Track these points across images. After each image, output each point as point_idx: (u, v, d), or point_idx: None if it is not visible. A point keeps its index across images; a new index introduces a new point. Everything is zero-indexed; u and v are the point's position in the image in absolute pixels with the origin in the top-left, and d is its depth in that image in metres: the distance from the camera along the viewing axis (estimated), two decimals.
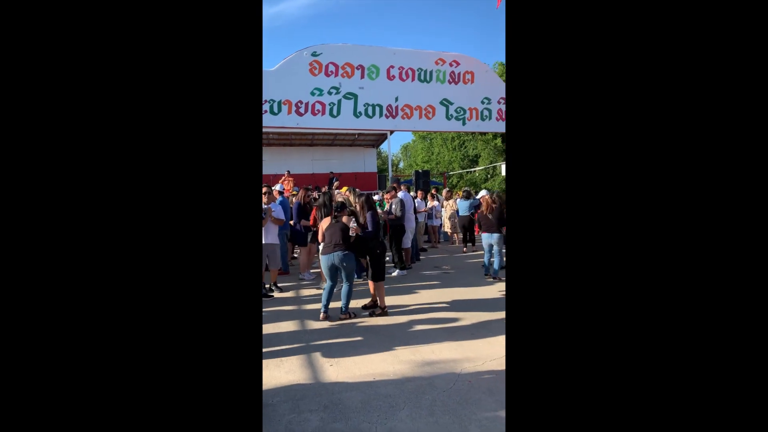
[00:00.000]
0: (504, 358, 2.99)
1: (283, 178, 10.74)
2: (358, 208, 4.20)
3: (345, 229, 3.87)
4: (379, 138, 15.28)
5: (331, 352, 3.16)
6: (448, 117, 2.63)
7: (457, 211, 9.05)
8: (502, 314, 4.01)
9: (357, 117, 2.38)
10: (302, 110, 4.31)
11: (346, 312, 3.92)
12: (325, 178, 11.68)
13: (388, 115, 2.49)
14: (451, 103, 2.64)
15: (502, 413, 2.24)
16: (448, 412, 2.28)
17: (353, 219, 3.95)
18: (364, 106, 2.39)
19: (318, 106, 3.39)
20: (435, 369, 2.84)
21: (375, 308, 4.11)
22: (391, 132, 13.63)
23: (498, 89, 2.71)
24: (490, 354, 3.07)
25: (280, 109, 4.70)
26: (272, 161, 13.98)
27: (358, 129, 2.86)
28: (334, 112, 2.31)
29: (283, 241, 5.44)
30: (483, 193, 6.76)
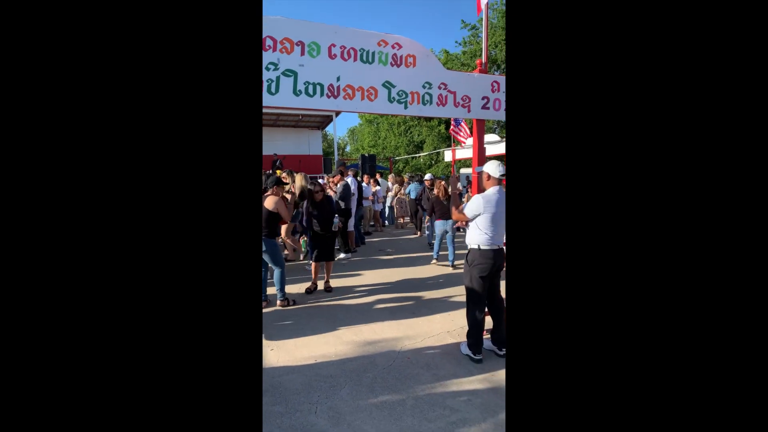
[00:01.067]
0: (441, 334, 3.14)
1: None
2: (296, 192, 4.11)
3: (267, 212, 3.71)
4: (325, 120, 14.94)
5: (273, 336, 3.12)
6: (390, 100, 2.61)
7: (409, 194, 9.25)
8: (441, 293, 4.19)
9: (297, 95, 2.26)
10: None
11: (284, 299, 3.82)
12: (268, 161, 11.25)
13: (329, 95, 2.40)
14: (393, 86, 2.62)
15: (438, 386, 2.37)
16: (388, 388, 2.36)
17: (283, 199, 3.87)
18: (305, 84, 2.29)
19: None
20: (376, 348, 2.91)
21: (317, 289, 4.12)
22: (337, 114, 13.39)
23: (439, 74, 2.74)
24: (428, 331, 3.21)
25: None
26: None
27: (297, 108, 2.72)
28: (273, 89, 2.17)
29: None
30: (428, 176, 6.94)
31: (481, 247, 2.67)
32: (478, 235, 2.69)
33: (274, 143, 13.19)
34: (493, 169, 2.69)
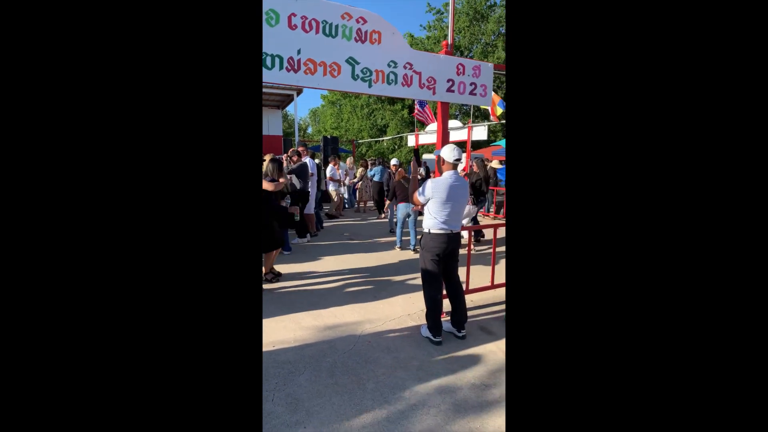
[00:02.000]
0: (402, 317, 3.15)
1: None
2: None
3: None
4: (285, 99, 14.35)
5: None
6: (354, 77, 2.49)
7: (372, 177, 9.16)
8: (402, 276, 4.20)
9: None
10: None
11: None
12: None
13: (289, 68, 2.24)
14: (357, 63, 2.50)
15: (399, 369, 2.37)
16: (348, 372, 2.33)
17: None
18: (263, 56, 2.13)
19: None
20: (336, 332, 2.87)
21: (265, 275, 3.99)
22: (298, 93, 12.92)
23: (404, 53, 2.65)
24: (389, 314, 3.20)
25: None
26: None
27: None
28: None
29: None
30: (394, 161, 6.88)
31: (432, 231, 2.68)
32: (428, 219, 2.70)
33: None
34: (448, 153, 2.66)
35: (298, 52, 2.35)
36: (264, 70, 2.25)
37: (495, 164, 9.19)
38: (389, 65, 2.69)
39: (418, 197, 2.73)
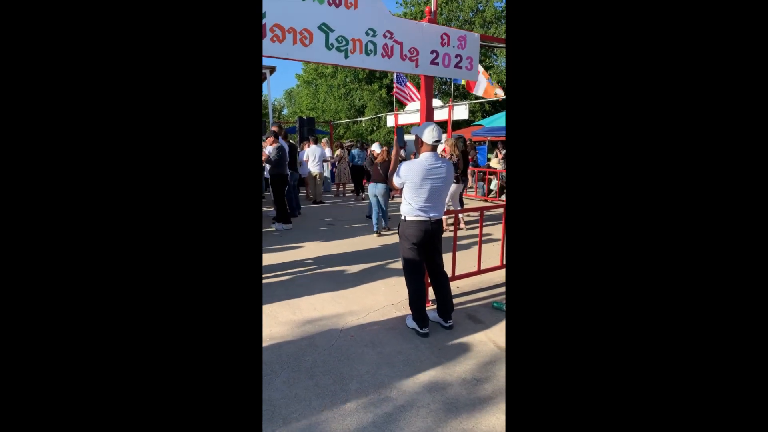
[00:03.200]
0: (386, 307, 2.99)
1: None
2: None
3: None
4: None
5: None
6: (328, 46, 2.21)
7: (351, 160, 8.89)
8: (383, 262, 4.03)
9: None
10: None
11: None
12: None
13: None
14: (332, 30, 2.22)
15: (384, 365, 2.21)
16: (329, 371, 2.16)
17: None
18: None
19: None
20: (316, 327, 2.68)
21: None
22: (271, 71, 12.33)
23: (384, 21, 2.39)
24: (372, 305, 3.03)
25: None
26: None
27: None
28: None
29: None
30: (375, 147, 6.60)
31: (407, 218, 2.50)
32: (403, 205, 2.52)
33: None
34: (427, 133, 2.42)
35: (263, 15, 2.06)
36: None
37: (494, 163, 9.11)
38: (367, 33, 2.42)
39: (394, 181, 2.52)
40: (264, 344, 2.44)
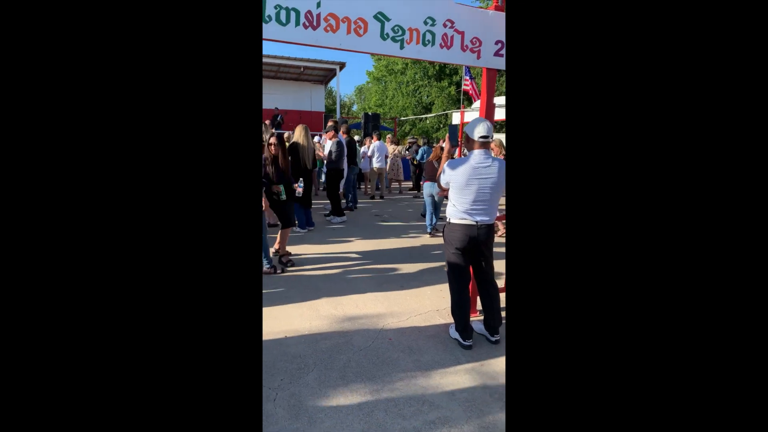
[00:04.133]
0: (430, 312, 2.84)
1: None
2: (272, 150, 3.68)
3: None
4: (328, 74, 14.14)
5: None
6: (383, 36, 2.12)
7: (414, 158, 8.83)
8: (434, 265, 3.87)
9: (266, 22, 1.81)
10: None
11: (270, 266, 3.50)
12: (268, 115, 10.68)
13: (306, 24, 1.93)
14: (388, 19, 2.12)
15: (419, 375, 2.08)
16: (362, 374, 2.08)
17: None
18: (275, 8, 1.81)
19: None
20: (355, 325, 2.62)
21: (284, 255, 3.78)
22: (341, 67, 12.62)
23: (445, 9, 2.24)
24: (416, 308, 2.91)
25: None
26: None
27: (264, 38, 2.24)
28: None
29: None
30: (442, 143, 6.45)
31: (451, 221, 2.32)
32: (448, 207, 2.34)
33: (273, 96, 12.52)
34: (473, 129, 2.21)
35: (318, 5, 2.02)
36: (276, 26, 1.95)
37: None
38: (426, 22, 2.28)
39: (441, 180, 2.36)
40: (301, 335, 2.44)
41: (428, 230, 5.14)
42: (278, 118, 10.83)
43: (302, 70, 13.30)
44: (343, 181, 5.54)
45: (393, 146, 9.13)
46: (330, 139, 5.30)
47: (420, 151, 8.83)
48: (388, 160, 9.29)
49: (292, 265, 3.72)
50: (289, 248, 4.00)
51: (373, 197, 8.13)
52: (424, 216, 5.94)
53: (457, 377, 2.08)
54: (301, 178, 4.04)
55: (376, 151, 7.61)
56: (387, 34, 2.20)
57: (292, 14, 1.98)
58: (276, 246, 3.79)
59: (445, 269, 2.54)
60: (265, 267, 3.47)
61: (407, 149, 9.75)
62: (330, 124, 5.57)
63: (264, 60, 11.92)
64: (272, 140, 3.66)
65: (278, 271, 3.55)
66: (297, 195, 3.83)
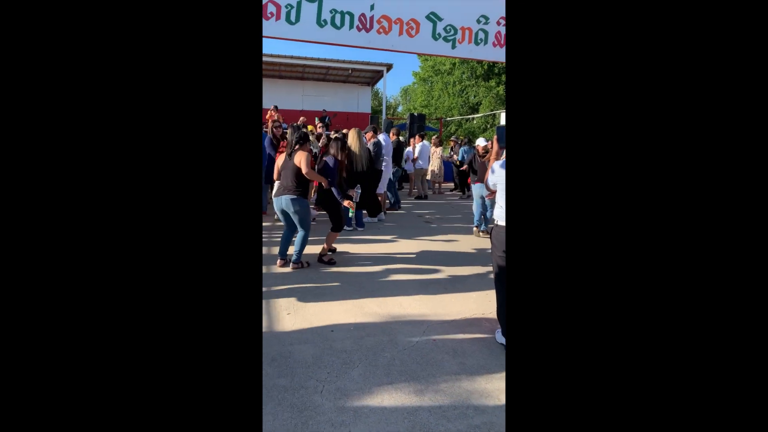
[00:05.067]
0: (476, 316, 2.79)
1: (269, 113, 10.05)
2: (332, 149, 3.79)
3: (298, 170, 3.39)
4: (375, 76, 14.30)
5: (292, 299, 2.94)
6: (434, 36, 2.12)
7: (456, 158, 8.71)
8: (481, 269, 3.79)
9: (321, 26, 1.88)
10: None
11: (298, 262, 3.57)
12: (315, 116, 11.01)
13: (360, 27, 1.98)
14: (440, 19, 2.11)
15: (465, 378, 2.05)
16: (406, 372, 2.08)
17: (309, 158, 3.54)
18: (331, 12, 1.88)
19: (272, 8, 2.72)
20: (400, 324, 2.63)
21: (325, 255, 3.83)
22: (388, 69, 12.71)
23: (498, 6, 2.19)
24: (461, 311, 2.87)
25: None
26: None
27: (320, 41, 2.32)
28: (292, 17, 1.82)
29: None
30: (481, 142, 6.29)
31: (498, 223, 2.26)
32: (495, 209, 2.29)
33: (323, 99, 12.88)
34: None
35: (371, 7, 2.06)
36: (332, 29, 2.01)
37: None
38: (479, 21, 2.25)
39: (488, 181, 2.30)
40: (346, 331, 2.49)
41: (478, 231, 5.04)
42: (326, 120, 11.11)
43: (350, 72, 13.55)
44: (381, 182, 5.57)
45: (434, 147, 9.06)
46: (370, 140, 5.36)
47: (461, 152, 8.68)
48: (431, 161, 9.22)
49: (334, 264, 3.80)
50: (334, 245, 4.09)
51: (418, 197, 8.10)
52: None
53: (503, 383, 2.02)
54: (358, 185, 4.09)
55: (421, 152, 7.59)
56: (438, 34, 2.20)
57: (347, 18, 2.03)
58: (325, 246, 3.87)
59: (492, 273, 2.48)
60: (292, 263, 3.56)
61: (450, 153, 9.58)
62: (369, 125, 5.66)
63: (313, 63, 12.30)
64: (332, 145, 3.78)
65: (304, 267, 3.60)
66: (355, 201, 3.85)
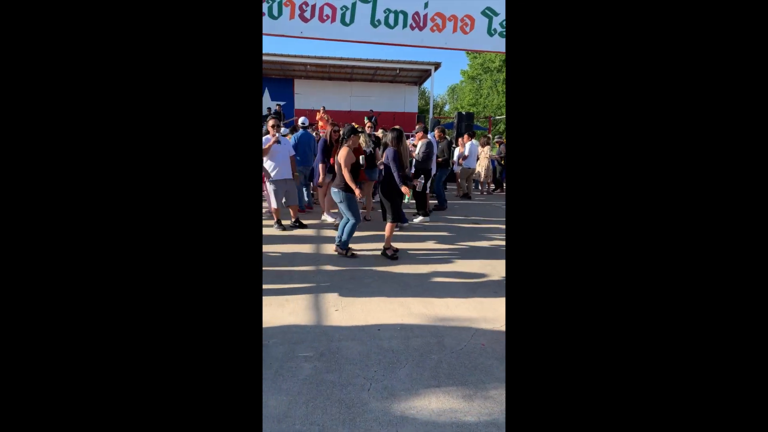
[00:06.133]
0: None
1: (319, 114, 10.33)
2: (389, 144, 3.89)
3: (339, 164, 3.68)
4: (423, 75, 14.21)
5: (340, 295, 2.99)
6: (490, 32, 2.06)
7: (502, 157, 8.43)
8: None
9: (375, 26, 1.89)
10: (307, 14, 3.28)
11: (344, 248, 3.86)
12: (363, 116, 11.16)
13: (413, 25, 1.96)
14: (496, 14, 2.05)
15: None
16: (453, 376, 2.05)
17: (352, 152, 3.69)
18: (385, 12, 1.89)
19: (327, 10, 2.71)
20: (447, 326, 2.59)
21: (389, 248, 3.95)
22: (436, 67, 12.58)
23: None
24: None
25: (280, 12, 3.57)
26: (308, 95, 13.51)
27: (373, 41, 2.31)
28: (347, 18, 1.83)
29: (303, 178, 5.35)
30: None
31: None
32: None
33: (370, 99, 13.02)
34: None
35: (426, 5, 2.04)
36: (385, 29, 2.02)
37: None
38: None
39: None
40: (394, 331, 2.49)
41: None
42: (373, 119, 11.23)
43: (398, 72, 13.57)
44: (429, 182, 5.52)
45: (482, 147, 8.84)
46: (420, 140, 5.32)
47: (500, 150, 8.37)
48: (479, 160, 8.99)
49: (397, 259, 3.89)
50: (377, 244, 4.12)
51: (464, 197, 7.95)
52: None
53: None
54: (422, 175, 4.27)
55: (470, 151, 7.43)
56: (494, 30, 2.14)
57: (400, 17, 2.03)
58: (386, 241, 3.98)
59: None
60: (336, 246, 3.90)
61: (501, 157, 9.26)
62: (418, 125, 5.63)
63: (361, 63, 12.46)
64: (389, 138, 3.95)
65: (347, 255, 3.86)
66: (418, 190, 4.09)
